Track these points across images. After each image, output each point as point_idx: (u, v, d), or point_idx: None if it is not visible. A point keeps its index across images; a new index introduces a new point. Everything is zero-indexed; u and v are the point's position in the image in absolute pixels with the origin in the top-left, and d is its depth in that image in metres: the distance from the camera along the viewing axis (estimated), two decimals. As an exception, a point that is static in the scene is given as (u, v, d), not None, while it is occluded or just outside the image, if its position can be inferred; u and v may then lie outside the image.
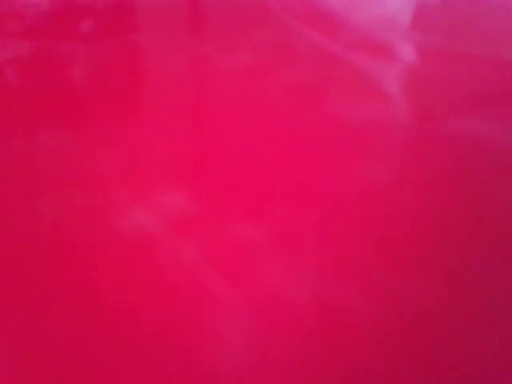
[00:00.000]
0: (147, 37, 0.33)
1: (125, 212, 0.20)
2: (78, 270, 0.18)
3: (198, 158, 0.23)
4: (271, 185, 0.21)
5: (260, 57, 0.31)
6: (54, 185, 0.21)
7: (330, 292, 0.17)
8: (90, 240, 0.19)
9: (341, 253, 0.18)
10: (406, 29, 0.35)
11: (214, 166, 0.22)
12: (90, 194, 0.21)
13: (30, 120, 0.25)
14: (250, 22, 0.35)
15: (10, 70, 0.29)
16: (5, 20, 0.35)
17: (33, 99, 0.27)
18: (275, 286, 0.17)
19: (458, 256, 0.19)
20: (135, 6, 0.37)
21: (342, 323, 0.16)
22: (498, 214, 0.20)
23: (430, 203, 0.21)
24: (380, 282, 0.17)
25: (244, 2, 0.37)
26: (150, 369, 0.15)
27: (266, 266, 0.18)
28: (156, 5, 0.37)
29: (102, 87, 0.28)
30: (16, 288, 0.17)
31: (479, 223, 0.20)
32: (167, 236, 0.19)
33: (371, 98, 0.27)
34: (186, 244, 0.19)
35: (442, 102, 0.27)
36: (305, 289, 0.17)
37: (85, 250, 0.18)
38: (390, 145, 0.24)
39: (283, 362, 0.15)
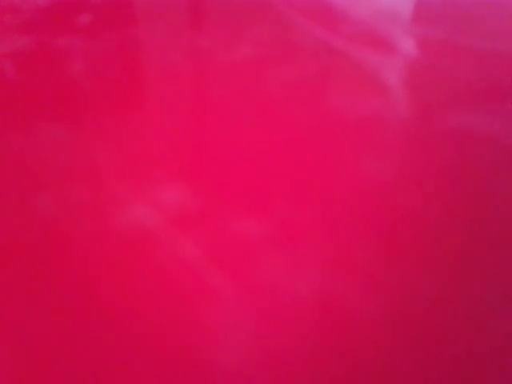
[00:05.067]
0: (146, 30, 0.33)
1: (124, 207, 0.20)
2: (76, 265, 0.17)
3: (198, 153, 0.23)
4: (272, 179, 0.21)
5: (260, 50, 0.31)
6: (51, 180, 0.21)
7: (331, 288, 0.17)
8: (88, 235, 0.19)
9: (342, 248, 0.18)
10: (407, 22, 0.35)
11: (214, 160, 0.22)
12: (88, 189, 0.21)
13: (28, 114, 0.25)
14: (250, 15, 0.35)
15: (8, 64, 0.29)
16: (2, 13, 0.35)
17: (31, 93, 0.26)
18: (276, 282, 0.17)
19: (461, 252, 0.18)
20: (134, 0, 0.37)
21: (343, 320, 0.16)
22: (501, 211, 0.20)
23: (431, 198, 0.21)
24: (382, 278, 0.17)
25: (243, -5, 0.37)
26: (148, 366, 0.15)
27: (267, 261, 0.18)
28: (155, -2, 0.37)
29: (101, 81, 0.28)
30: (13, 284, 0.17)
31: (481, 220, 0.20)
32: (167, 231, 0.19)
33: (372, 91, 0.27)
34: (186, 239, 0.19)
35: (444, 97, 0.27)
36: (306, 285, 0.17)
37: (83, 246, 0.18)
38: (390, 139, 0.24)
39: (284, 359, 0.15)
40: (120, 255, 0.18)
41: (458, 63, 0.30)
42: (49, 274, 0.17)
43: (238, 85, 0.27)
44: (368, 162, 0.22)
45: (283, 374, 0.15)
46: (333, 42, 0.32)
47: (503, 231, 0.19)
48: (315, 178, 0.21)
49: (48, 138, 0.23)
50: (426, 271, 0.18)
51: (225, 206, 0.20)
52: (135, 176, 0.21)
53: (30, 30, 0.33)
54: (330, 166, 0.22)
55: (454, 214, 0.20)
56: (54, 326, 0.16)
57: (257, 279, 0.17)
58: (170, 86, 0.27)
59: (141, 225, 0.19)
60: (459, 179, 0.22)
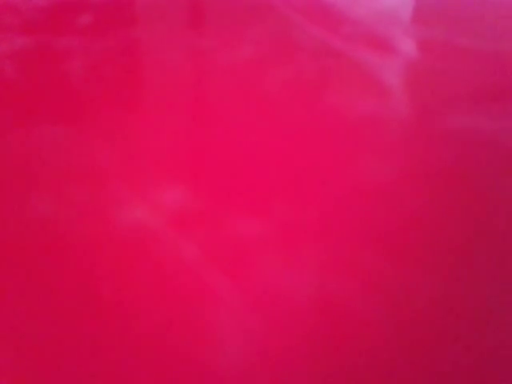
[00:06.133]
0: (147, 31, 0.33)
1: (124, 208, 0.20)
2: (76, 266, 0.17)
3: (198, 153, 0.23)
4: (272, 180, 0.21)
5: (261, 51, 0.31)
6: (51, 180, 0.21)
7: (331, 289, 0.17)
8: (88, 236, 0.19)
9: (342, 249, 0.18)
10: (406, 23, 0.35)
11: (214, 161, 0.22)
12: (88, 190, 0.21)
13: (28, 115, 0.25)
14: (250, 15, 0.35)
15: (8, 65, 0.29)
16: (2, 14, 0.35)
17: (31, 94, 0.26)
18: (276, 283, 0.17)
19: (458, 253, 0.18)
20: (135, 0, 0.37)
21: (343, 321, 0.16)
22: (500, 212, 0.20)
23: (431, 199, 0.21)
24: (382, 279, 0.17)
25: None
26: (147, 367, 0.15)
27: (267, 262, 0.18)
28: (155, -2, 0.37)
29: (101, 82, 0.28)
30: (13, 283, 0.17)
31: (481, 220, 0.20)
32: (167, 232, 0.19)
33: (371, 92, 0.27)
34: (186, 240, 0.19)
35: (443, 97, 0.27)
36: (306, 286, 0.17)
37: (83, 246, 0.18)
38: (390, 140, 0.24)
39: (284, 360, 0.15)
40: (120, 255, 0.18)
41: (458, 64, 0.30)
42: (48, 273, 0.17)
43: (238, 85, 0.27)
44: (368, 162, 0.22)
45: (283, 374, 0.15)
46: (333, 42, 0.32)
47: (503, 232, 0.19)
48: (315, 178, 0.21)
49: (48, 138, 0.23)
50: (426, 272, 0.18)
51: (225, 207, 0.20)
52: (135, 176, 0.21)
53: (30, 30, 0.33)
54: (330, 167, 0.22)
55: (453, 215, 0.20)
56: (53, 326, 0.16)
57: (256, 280, 0.17)
58: (170, 87, 0.27)
59: (141, 225, 0.19)
60: (459, 180, 0.22)
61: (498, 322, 0.16)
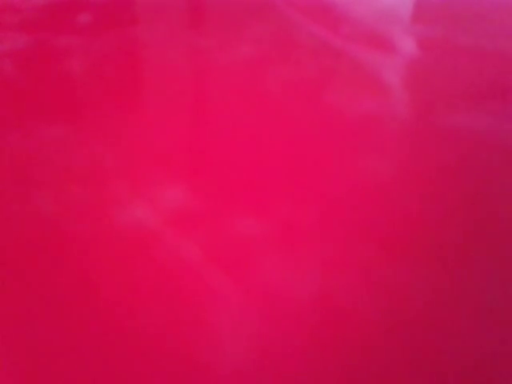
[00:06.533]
0: (146, 30, 0.33)
1: (124, 207, 0.20)
2: (76, 265, 0.17)
3: (198, 153, 0.23)
4: (272, 179, 0.21)
5: (260, 50, 0.31)
6: (51, 179, 0.21)
7: (332, 289, 0.17)
8: (88, 235, 0.19)
9: (343, 249, 0.18)
10: (407, 22, 0.35)
11: (214, 160, 0.22)
12: (88, 189, 0.21)
13: (28, 114, 0.25)
14: (250, 14, 0.35)
15: (7, 64, 0.29)
16: (1, 13, 0.35)
17: (30, 93, 0.26)
18: (276, 283, 0.17)
19: (459, 252, 0.18)
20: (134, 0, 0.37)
21: (344, 321, 0.16)
22: (501, 210, 0.20)
23: (432, 198, 0.21)
24: (382, 279, 0.17)
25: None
26: (147, 367, 0.15)
27: (268, 262, 0.18)
28: (155, -2, 0.37)
29: (101, 81, 0.27)
30: (12, 284, 0.17)
31: (481, 220, 0.20)
32: (167, 231, 0.19)
33: (372, 91, 0.27)
34: (187, 239, 0.18)
35: (444, 96, 0.27)
36: (307, 286, 0.17)
37: (83, 246, 0.18)
38: (391, 139, 0.24)
39: (285, 360, 0.15)
40: (120, 255, 0.18)
41: (458, 63, 0.30)
42: (48, 273, 0.17)
43: (238, 84, 0.27)
44: (368, 161, 0.22)
45: (284, 374, 0.15)
46: (333, 41, 0.32)
47: (501, 231, 0.19)
48: (316, 177, 0.21)
49: (48, 138, 0.23)
50: (427, 270, 0.18)
51: (225, 206, 0.20)
52: (136, 176, 0.21)
53: (29, 29, 0.33)
54: (330, 166, 0.22)
55: (452, 215, 0.20)
56: (53, 325, 0.16)
57: (258, 279, 0.17)
58: (170, 86, 0.27)
59: (141, 225, 0.19)
60: (458, 179, 0.22)
61: (498, 321, 0.16)
